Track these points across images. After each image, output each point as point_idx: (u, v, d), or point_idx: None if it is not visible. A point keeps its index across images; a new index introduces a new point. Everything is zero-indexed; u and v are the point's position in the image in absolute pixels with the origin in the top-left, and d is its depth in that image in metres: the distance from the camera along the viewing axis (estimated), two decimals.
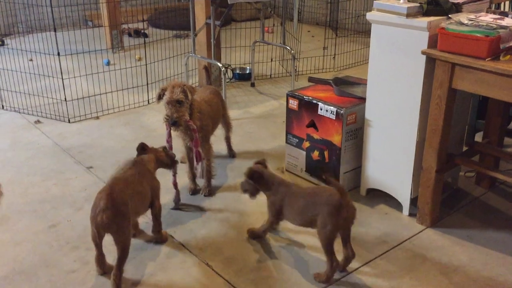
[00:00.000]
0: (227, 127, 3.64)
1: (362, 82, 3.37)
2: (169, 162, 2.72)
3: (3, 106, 4.57)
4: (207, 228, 2.85)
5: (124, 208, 2.24)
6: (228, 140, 3.71)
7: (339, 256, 2.43)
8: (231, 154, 3.72)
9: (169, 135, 2.93)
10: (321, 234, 2.34)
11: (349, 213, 2.33)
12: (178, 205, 3.03)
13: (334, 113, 3.03)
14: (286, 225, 2.77)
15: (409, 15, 2.64)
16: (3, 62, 4.99)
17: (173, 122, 2.72)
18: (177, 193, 3.02)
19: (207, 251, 2.65)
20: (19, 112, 4.47)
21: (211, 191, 3.18)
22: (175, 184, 2.97)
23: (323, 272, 2.41)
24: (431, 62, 2.62)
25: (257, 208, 3.04)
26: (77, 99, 4.53)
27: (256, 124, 4.34)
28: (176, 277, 2.45)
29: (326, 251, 2.35)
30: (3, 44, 6.33)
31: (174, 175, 2.94)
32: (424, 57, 2.62)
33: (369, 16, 2.81)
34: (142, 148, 2.61)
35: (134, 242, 2.65)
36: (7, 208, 3.03)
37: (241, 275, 2.48)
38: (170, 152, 2.78)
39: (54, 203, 3.09)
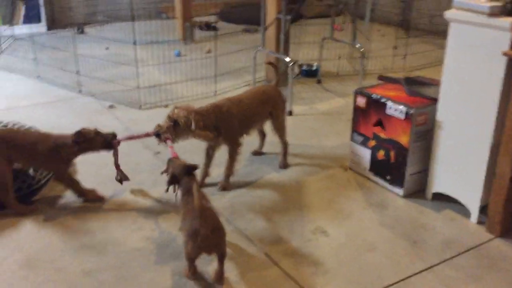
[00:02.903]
0: (277, 131, 3.42)
1: (434, 83, 3.26)
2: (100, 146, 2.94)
3: (80, 91, 4.83)
4: (267, 219, 2.88)
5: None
6: (283, 147, 3.47)
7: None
8: (283, 165, 3.49)
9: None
10: (184, 248, 2.30)
11: (206, 243, 2.22)
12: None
13: (404, 113, 2.96)
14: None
15: (492, 14, 2.52)
16: (82, 49, 5.26)
17: (156, 133, 2.88)
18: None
19: (266, 241, 2.68)
20: (95, 97, 4.70)
21: (225, 187, 3.17)
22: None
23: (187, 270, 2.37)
24: None
25: (322, 202, 3.03)
26: (149, 87, 4.71)
27: (320, 121, 4.32)
28: (235, 264, 2.50)
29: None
30: (82, 32, 6.68)
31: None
32: (504, 58, 2.50)
33: (448, 14, 2.72)
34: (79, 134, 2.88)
35: None
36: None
37: (300, 268, 2.48)
38: (105, 135, 2.94)
39: (124, 185, 3.23)
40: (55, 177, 3.01)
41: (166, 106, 4.53)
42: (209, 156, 3.23)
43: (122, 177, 3.06)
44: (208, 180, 3.25)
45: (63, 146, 2.87)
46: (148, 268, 2.45)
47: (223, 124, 3.03)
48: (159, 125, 2.88)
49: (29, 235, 2.69)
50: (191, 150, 3.40)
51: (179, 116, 2.85)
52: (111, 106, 4.49)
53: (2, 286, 2.31)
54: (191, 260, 2.32)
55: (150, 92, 4.66)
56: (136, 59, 4.41)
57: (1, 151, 2.81)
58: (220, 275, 2.34)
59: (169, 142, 2.87)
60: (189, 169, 2.50)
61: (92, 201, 3.01)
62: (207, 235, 2.18)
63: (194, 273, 2.36)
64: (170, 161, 2.62)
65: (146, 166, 3.47)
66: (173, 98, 4.63)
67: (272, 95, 3.37)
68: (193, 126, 2.84)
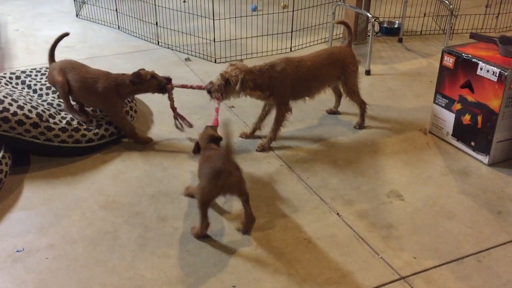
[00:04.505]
0: (347, 94, 3.27)
1: None
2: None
3: (158, 42, 4.90)
4: (340, 178, 2.82)
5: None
6: (359, 108, 3.34)
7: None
8: (358, 125, 3.38)
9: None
10: (198, 195, 2.30)
11: (227, 182, 2.21)
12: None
13: (497, 75, 2.74)
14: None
15: None
16: (161, 1, 5.30)
17: (208, 90, 2.89)
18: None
19: (338, 201, 2.63)
20: (172, 49, 4.76)
21: (263, 149, 3.09)
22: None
23: (198, 226, 2.35)
24: None
25: (398, 165, 2.92)
26: (224, 40, 4.68)
27: (400, 81, 4.12)
28: (306, 222, 2.48)
29: (199, 211, 2.30)
30: None
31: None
32: None
33: None
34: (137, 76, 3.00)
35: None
36: (156, 135, 3.29)
37: (373, 230, 2.42)
38: (160, 78, 3.04)
39: (197, 136, 3.28)
40: (109, 116, 3.14)
41: (241, 60, 4.50)
42: (264, 111, 3.20)
43: (181, 123, 3.18)
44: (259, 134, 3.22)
45: (122, 84, 3.01)
46: (220, 219, 2.49)
47: (275, 84, 2.96)
48: (211, 82, 2.90)
49: (109, 178, 2.81)
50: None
51: (231, 76, 2.84)
52: (187, 59, 4.53)
53: (83, 224, 2.44)
54: (206, 205, 2.29)
55: (225, 46, 4.64)
56: (213, 12, 4.38)
57: (63, 74, 3.07)
58: (251, 216, 2.36)
59: (218, 102, 2.89)
60: (213, 140, 2.54)
61: (140, 142, 3.15)
62: (230, 172, 2.20)
63: (206, 227, 2.33)
64: (205, 128, 2.67)
65: (220, 119, 3.49)
66: (247, 53, 4.59)
67: (341, 57, 3.18)
68: (237, 87, 2.82)
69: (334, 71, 3.17)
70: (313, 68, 3.07)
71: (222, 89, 2.86)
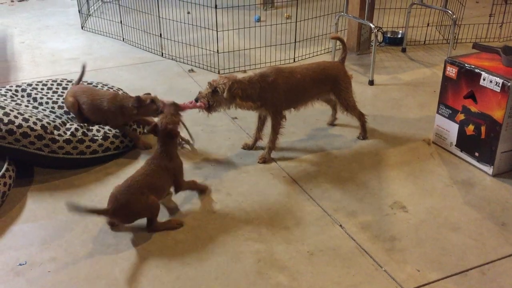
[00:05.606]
0: (342, 108, 3.27)
1: None
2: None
3: (162, 54, 4.93)
4: (343, 190, 2.81)
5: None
6: (359, 120, 3.33)
7: None
8: (361, 136, 3.37)
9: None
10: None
11: (112, 216, 2.43)
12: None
13: (500, 85, 2.73)
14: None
15: None
16: (165, 12, 5.34)
17: (195, 99, 2.93)
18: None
19: (341, 213, 2.62)
20: (176, 61, 4.78)
21: (265, 160, 3.08)
22: None
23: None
24: None
25: (401, 176, 2.91)
26: (228, 51, 4.70)
27: (403, 92, 4.11)
28: (308, 234, 2.47)
29: None
30: None
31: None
32: None
33: None
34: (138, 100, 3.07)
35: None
36: None
37: (376, 242, 2.41)
38: (158, 103, 3.06)
39: (201, 147, 3.28)
40: (111, 125, 3.24)
41: (244, 71, 4.52)
42: (261, 120, 3.19)
43: (184, 142, 3.29)
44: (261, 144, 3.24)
45: (126, 106, 3.12)
46: (222, 231, 2.49)
47: (266, 94, 2.96)
48: (200, 92, 2.93)
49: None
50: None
51: (218, 84, 2.85)
52: (191, 70, 4.55)
53: (86, 237, 2.45)
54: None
55: (229, 57, 4.66)
56: (216, 23, 4.40)
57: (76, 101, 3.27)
58: (153, 228, 2.51)
59: (201, 108, 2.91)
60: (169, 135, 2.57)
61: (141, 148, 3.25)
62: (111, 213, 2.38)
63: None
64: (176, 108, 2.72)
65: (223, 130, 3.50)
66: (251, 64, 4.60)
67: (333, 74, 3.17)
68: (225, 94, 2.83)
69: (324, 87, 3.18)
70: (302, 82, 3.07)
71: (209, 97, 2.89)
